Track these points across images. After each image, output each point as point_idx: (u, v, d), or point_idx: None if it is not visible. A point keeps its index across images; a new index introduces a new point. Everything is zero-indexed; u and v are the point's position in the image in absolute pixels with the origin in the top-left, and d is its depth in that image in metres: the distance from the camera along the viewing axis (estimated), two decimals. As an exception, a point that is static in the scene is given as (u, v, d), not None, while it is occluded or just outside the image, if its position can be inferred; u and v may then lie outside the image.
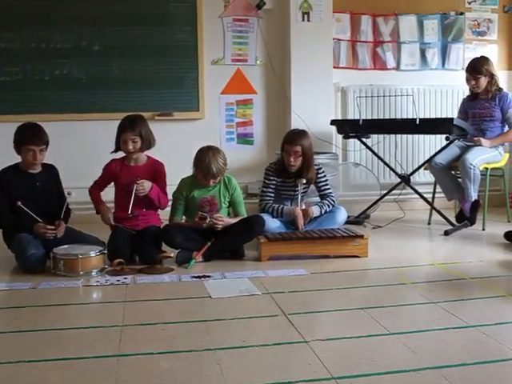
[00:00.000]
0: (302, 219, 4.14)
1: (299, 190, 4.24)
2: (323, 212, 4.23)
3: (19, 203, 3.69)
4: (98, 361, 2.26)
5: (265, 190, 4.31)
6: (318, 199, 4.40)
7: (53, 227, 3.71)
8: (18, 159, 3.88)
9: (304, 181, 4.24)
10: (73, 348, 2.40)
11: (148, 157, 4.12)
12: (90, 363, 2.23)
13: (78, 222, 4.21)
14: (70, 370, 2.17)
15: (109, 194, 4.15)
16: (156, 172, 4.05)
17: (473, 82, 4.94)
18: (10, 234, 3.78)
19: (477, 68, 4.90)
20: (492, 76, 4.92)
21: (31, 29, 5.24)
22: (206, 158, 3.90)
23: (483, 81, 4.90)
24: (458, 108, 5.29)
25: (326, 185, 4.33)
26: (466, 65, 5.10)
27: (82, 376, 2.12)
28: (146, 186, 3.89)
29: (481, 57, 5.04)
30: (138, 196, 3.87)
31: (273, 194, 4.31)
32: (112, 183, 4.12)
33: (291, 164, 4.20)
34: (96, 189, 4.10)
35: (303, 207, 4.25)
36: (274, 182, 4.32)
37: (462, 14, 5.92)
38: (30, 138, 3.76)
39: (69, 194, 3.85)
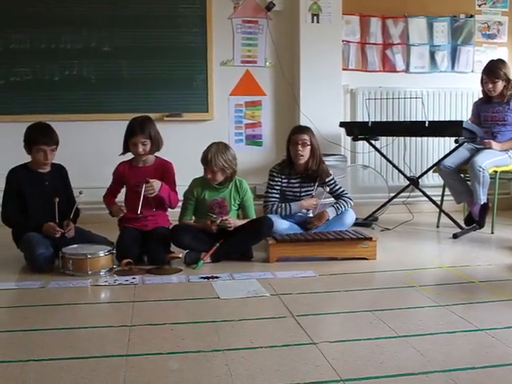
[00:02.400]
0: (318, 220, 4.16)
1: (322, 196, 4.23)
2: (339, 213, 4.22)
3: (57, 199, 3.73)
4: (107, 360, 2.26)
5: (270, 191, 4.29)
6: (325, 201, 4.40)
7: (61, 230, 3.72)
8: (28, 158, 3.90)
9: (328, 189, 4.24)
10: (81, 347, 2.40)
11: (156, 157, 4.12)
12: (98, 363, 2.24)
13: (87, 222, 4.23)
14: (78, 370, 2.17)
15: (119, 195, 4.16)
16: (164, 171, 4.06)
17: (490, 86, 4.89)
18: (19, 233, 3.80)
19: (495, 72, 4.85)
20: (509, 80, 4.87)
21: (41, 30, 5.27)
22: (208, 147, 3.98)
23: (500, 85, 4.86)
24: (471, 110, 5.25)
25: (337, 185, 4.32)
26: (480, 65, 5.09)
27: (91, 375, 2.12)
28: (155, 186, 3.87)
29: (498, 60, 4.99)
30: (147, 196, 3.87)
31: (278, 195, 4.29)
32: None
33: (299, 154, 4.18)
34: (109, 196, 4.10)
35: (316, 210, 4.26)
36: (279, 183, 4.30)
37: (471, 16, 5.92)
38: (40, 138, 3.78)
39: (80, 193, 3.85)
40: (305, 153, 4.21)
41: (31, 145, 3.81)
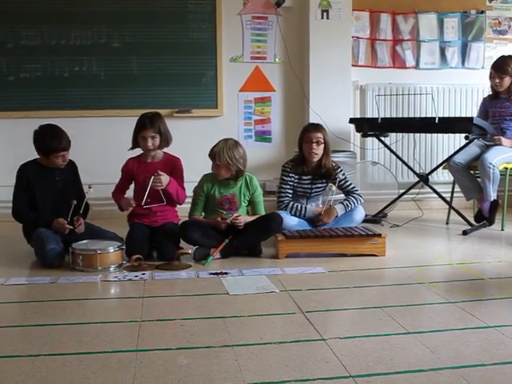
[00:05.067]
0: (327, 216, 4.16)
1: (329, 193, 4.21)
2: (349, 209, 4.21)
3: (74, 202, 3.74)
4: (117, 355, 2.27)
5: (283, 187, 4.30)
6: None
7: (71, 227, 3.74)
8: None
9: (334, 187, 4.22)
10: (91, 342, 2.42)
11: (164, 153, 4.13)
12: (108, 358, 2.25)
13: (97, 217, 4.25)
14: (88, 365, 2.19)
15: (128, 191, 4.17)
16: (173, 167, 4.06)
17: (497, 81, 4.88)
18: (30, 229, 3.82)
19: (503, 67, 4.84)
20: None
21: (51, 26, 5.28)
22: (217, 143, 4.00)
23: (507, 81, 4.85)
24: (478, 107, 5.24)
25: (347, 181, 4.31)
26: (490, 61, 5.05)
27: (101, 370, 2.13)
28: (163, 179, 3.88)
29: (508, 56, 4.95)
30: (156, 191, 3.88)
31: (291, 191, 4.30)
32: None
33: (314, 152, 4.18)
34: (118, 192, 4.11)
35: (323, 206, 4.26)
36: (292, 179, 4.30)
37: (482, 12, 5.88)
38: (59, 145, 3.77)
39: (90, 187, 3.86)
40: (319, 151, 4.20)
41: (50, 153, 3.78)
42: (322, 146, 4.21)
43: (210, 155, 3.98)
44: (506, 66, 4.84)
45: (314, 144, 4.18)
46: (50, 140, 3.78)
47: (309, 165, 4.28)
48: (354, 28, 5.64)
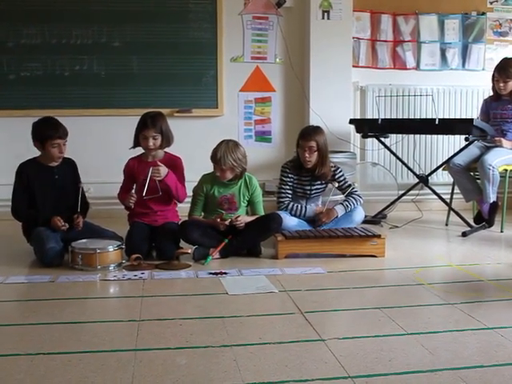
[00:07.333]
0: (327, 216, 4.16)
1: (330, 193, 4.23)
2: (349, 210, 4.22)
3: (66, 226, 3.75)
4: (116, 355, 2.27)
5: (283, 187, 4.30)
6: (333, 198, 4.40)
7: (67, 226, 3.74)
8: (37, 152, 3.91)
9: (336, 184, 4.24)
10: (90, 341, 2.41)
11: (165, 152, 4.13)
12: (107, 357, 2.25)
13: (96, 216, 4.24)
14: (87, 364, 2.18)
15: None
16: (173, 166, 4.05)
17: (501, 84, 4.85)
18: (30, 228, 3.82)
19: (507, 71, 4.80)
20: None
21: (52, 25, 5.28)
22: (218, 145, 3.98)
23: (511, 84, 4.85)
24: (480, 108, 5.23)
25: (346, 182, 4.32)
26: (491, 63, 5.06)
27: (100, 369, 2.13)
28: (162, 170, 3.89)
29: (511, 58, 4.96)
30: (154, 183, 3.87)
31: (291, 192, 4.30)
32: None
33: (307, 160, 4.19)
34: (123, 193, 4.09)
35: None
36: (291, 180, 4.31)
37: (483, 14, 5.88)
38: (55, 133, 3.79)
39: (80, 185, 3.87)
40: (312, 158, 4.20)
41: (45, 140, 3.80)
42: (316, 153, 4.20)
43: (213, 160, 3.97)
44: (510, 69, 4.81)
45: (307, 153, 4.18)
46: (45, 127, 3.82)
47: (306, 168, 4.28)
48: (355, 29, 5.64)
